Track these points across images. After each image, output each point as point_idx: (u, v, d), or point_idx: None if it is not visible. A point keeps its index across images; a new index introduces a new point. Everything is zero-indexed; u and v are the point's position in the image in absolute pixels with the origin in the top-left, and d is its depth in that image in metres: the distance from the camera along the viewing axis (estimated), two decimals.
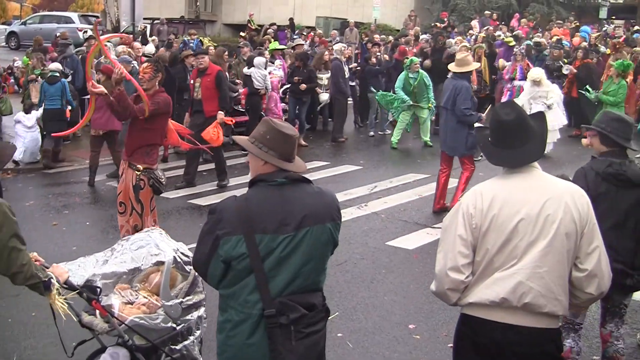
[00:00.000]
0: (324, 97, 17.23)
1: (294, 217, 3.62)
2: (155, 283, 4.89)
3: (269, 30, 27.50)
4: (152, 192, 7.86)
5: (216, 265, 3.62)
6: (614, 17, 49.71)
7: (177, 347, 4.84)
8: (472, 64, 10.70)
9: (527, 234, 3.64)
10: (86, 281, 4.69)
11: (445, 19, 31.57)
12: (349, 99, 17.88)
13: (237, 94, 16.16)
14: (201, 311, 5.08)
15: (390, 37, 24.44)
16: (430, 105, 15.91)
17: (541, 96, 14.59)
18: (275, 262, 3.58)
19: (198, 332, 5.04)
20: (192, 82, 12.86)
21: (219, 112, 11.99)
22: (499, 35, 22.99)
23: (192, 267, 4.80)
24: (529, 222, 3.64)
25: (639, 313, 7.21)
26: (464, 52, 12.16)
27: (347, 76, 17.40)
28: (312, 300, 3.71)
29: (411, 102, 15.60)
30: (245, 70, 16.07)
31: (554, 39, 22.56)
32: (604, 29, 32.29)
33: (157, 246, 5.01)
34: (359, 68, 18.87)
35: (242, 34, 28.06)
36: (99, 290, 4.64)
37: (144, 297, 4.81)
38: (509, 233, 3.64)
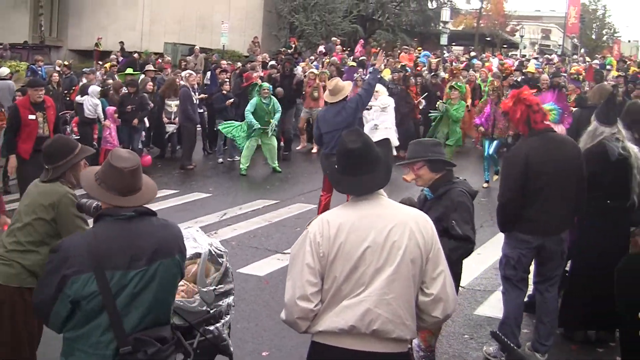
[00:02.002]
0: (170, 127, 17.11)
1: (145, 251, 3.54)
2: (192, 272, 5.34)
3: (111, 56, 26.94)
4: None
5: (62, 306, 3.46)
6: (454, 44, 52.16)
7: (210, 329, 5.26)
8: (346, 87, 10.69)
9: (374, 261, 3.65)
10: None
11: (293, 45, 31.92)
12: (197, 126, 17.72)
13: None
14: (230, 299, 5.55)
15: (239, 64, 24.46)
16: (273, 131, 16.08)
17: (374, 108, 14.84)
18: (128, 298, 3.47)
19: (227, 317, 5.50)
20: (30, 117, 11.13)
21: None
22: (345, 60, 23.59)
23: (224, 259, 5.50)
24: (375, 250, 3.66)
25: (483, 327, 7.45)
26: (332, 79, 12.03)
27: (195, 103, 17.24)
28: (163, 334, 3.63)
29: (260, 127, 15.60)
30: (78, 98, 15.75)
31: (399, 64, 23.27)
32: (445, 55, 33.69)
33: (195, 239, 5.54)
34: (206, 95, 18.74)
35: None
36: None
37: (182, 284, 5.19)
38: (356, 261, 3.65)
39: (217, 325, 5.37)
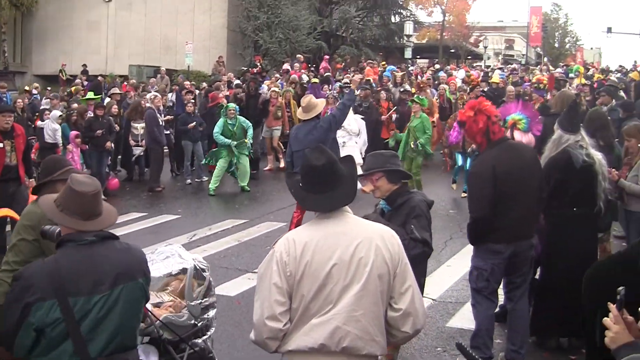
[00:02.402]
0: (137, 150, 17.03)
1: (108, 275, 3.52)
2: (180, 287, 5.57)
3: (76, 81, 26.77)
4: None
5: (26, 334, 3.41)
6: (418, 57, 52.53)
7: (199, 341, 5.42)
8: (319, 104, 10.61)
9: (341, 279, 3.65)
10: None
11: (258, 63, 31.95)
12: (164, 147, 17.63)
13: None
14: (214, 312, 5.72)
15: (204, 84, 24.41)
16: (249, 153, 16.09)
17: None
18: (92, 323, 3.44)
19: (212, 330, 5.69)
20: None
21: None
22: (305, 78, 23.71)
23: (207, 273, 5.68)
24: (342, 267, 3.66)
25: (456, 339, 7.41)
26: (305, 96, 11.94)
27: (161, 124, 17.16)
28: (129, 358, 3.63)
29: (234, 142, 15.58)
30: (39, 123, 15.65)
31: (364, 79, 23.35)
32: (410, 68, 33.89)
33: (180, 256, 5.71)
34: (171, 117, 18.66)
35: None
36: None
37: (170, 299, 5.49)
38: (324, 278, 3.64)
39: (205, 337, 5.52)
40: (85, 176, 3.88)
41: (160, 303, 5.47)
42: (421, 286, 5.32)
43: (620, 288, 3.31)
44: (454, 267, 9.70)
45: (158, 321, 5.03)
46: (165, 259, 5.78)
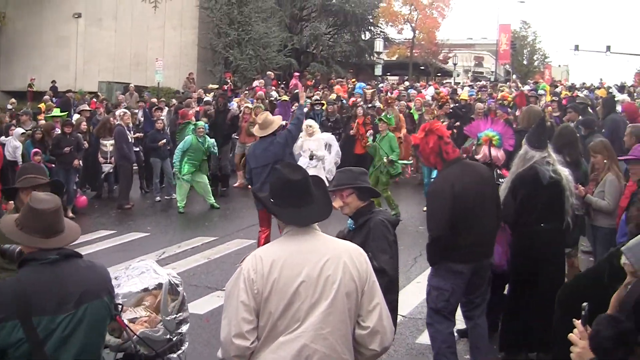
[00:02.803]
0: (107, 167, 16.93)
1: (72, 294, 3.49)
2: (156, 302, 5.60)
3: (45, 97, 26.55)
4: None
5: None
6: (388, 74, 52.76)
7: (174, 356, 5.48)
8: (275, 121, 10.68)
9: (309, 296, 3.64)
10: None
11: (229, 80, 31.94)
12: (134, 164, 17.51)
13: None
14: (187, 327, 5.76)
15: (174, 100, 24.31)
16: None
17: (311, 148, 14.93)
18: (57, 343, 3.41)
19: (186, 344, 5.76)
20: None
21: None
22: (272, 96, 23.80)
23: (181, 288, 5.76)
24: (309, 284, 3.64)
25: (425, 356, 7.44)
26: (261, 113, 12.03)
27: (131, 141, 17.06)
28: None
29: (179, 175, 15.66)
30: (2, 139, 15.51)
31: (333, 96, 23.42)
32: (380, 85, 34.10)
33: (155, 271, 5.78)
34: (141, 134, 18.55)
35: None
36: (120, 307, 4.61)
37: (146, 314, 5.52)
38: (291, 296, 3.62)
39: (179, 352, 5.58)
40: (46, 194, 3.86)
41: (136, 318, 5.49)
42: (395, 302, 5.34)
43: (584, 304, 3.32)
44: (423, 284, 9.59)
45: (135, 336, 5.01)
46: (141, 274, 5.85)
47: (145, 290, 5.73)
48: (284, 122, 17.38)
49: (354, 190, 5.36)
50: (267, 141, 10.41)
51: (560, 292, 6.16)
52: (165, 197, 17.61)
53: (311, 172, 13.37)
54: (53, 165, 15.24)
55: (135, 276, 5.80)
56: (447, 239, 6.19)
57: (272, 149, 10.28)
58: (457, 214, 6.14)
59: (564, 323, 5.81)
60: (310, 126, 15.03)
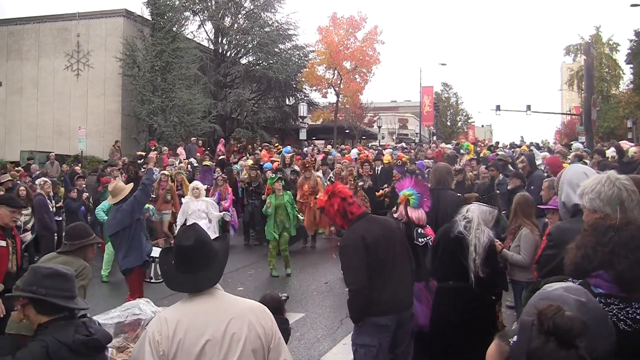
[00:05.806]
0: (27, 237, 16.61)
1: None
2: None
3: None
4: None
5: None
6: (314, 138, 53.12)
7: None
8: (125, 188, 10.77)
9: (215, 355, 3.69)
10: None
11: (153, 148, 31.87)
12: (55, 234, 17.22)
13: None
14: None
15: (99, 168, 24.14)
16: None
17: (200, 209, 15.15)
18: None
19: None
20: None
21: None
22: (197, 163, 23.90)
23: None
24: (215, 343, 3.70)
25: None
26: (113, 181, 12.05)
27: (52, 210, 16.81)
28: None
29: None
30: None
31: (249, 162, 23.66)
32: (305, 149, 34.46)
33: (139, 308, 6.14)
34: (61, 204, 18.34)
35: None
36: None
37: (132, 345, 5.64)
38: (197, 356, 3.67)
39: None
40: None
41: (125, 347, 5.73)
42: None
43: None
44: (349, 345, 9.74)
45: None
46: (125, 310, 6.25)
47: (119, 323, 6.00)
48: (205, 186, 17.67)
49: (29, 301, 4.16)
50: (115, 209, 10.63)
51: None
52: None
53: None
54: None
55: (118, 311, 6.20)
56: (368, 291, 6.16)
57: (118, 216, 10.42)
58: (372, 266, 6.16)
59: None
60: (197, 189, 15.65)
